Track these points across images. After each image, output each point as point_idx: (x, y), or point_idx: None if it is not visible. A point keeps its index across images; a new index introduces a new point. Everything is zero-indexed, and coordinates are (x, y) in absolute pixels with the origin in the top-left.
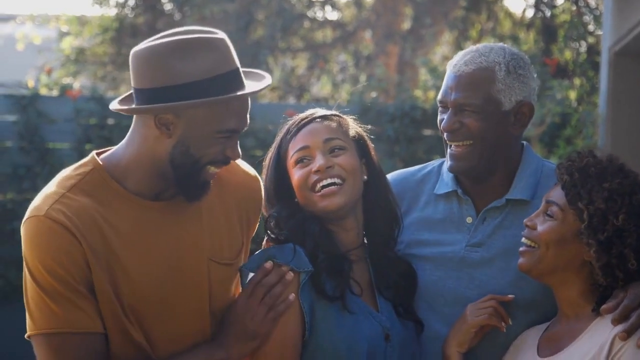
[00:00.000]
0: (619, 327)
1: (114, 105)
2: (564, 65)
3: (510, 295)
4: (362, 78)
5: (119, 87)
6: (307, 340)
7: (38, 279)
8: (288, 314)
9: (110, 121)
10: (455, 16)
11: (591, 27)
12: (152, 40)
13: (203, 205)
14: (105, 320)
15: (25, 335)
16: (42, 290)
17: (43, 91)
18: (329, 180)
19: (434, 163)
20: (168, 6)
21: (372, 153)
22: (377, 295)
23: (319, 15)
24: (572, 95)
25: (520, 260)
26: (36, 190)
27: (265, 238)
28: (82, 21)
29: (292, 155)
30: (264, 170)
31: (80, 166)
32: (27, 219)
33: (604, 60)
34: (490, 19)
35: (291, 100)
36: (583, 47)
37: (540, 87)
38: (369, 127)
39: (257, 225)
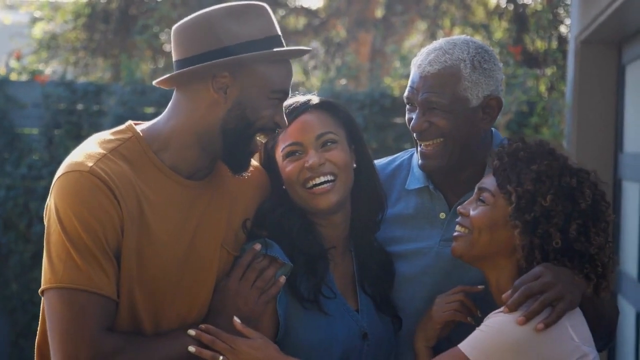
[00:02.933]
0: (518, 312)
1: (158, 80)
2: (535, 54)
3: (479, 286)
4: (334, 66)
5: (90, 73)
6: (281, 339)
7: (69, 232)
8: (263, 316)
9: (80, 106)
10: (427, 5)
11: (563, 17)
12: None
13: (228, 193)
14: (120, 289)
15: (40, 289)
16: (70, 244)
17: (13, 76)
18: (322, 179)
19: (404, 155)
20: None
21: (362, 139)
22: (359, 290)
23: (293, 2)
24: (541, 84)
25: (454, 245)
26: (4, 175)
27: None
28: (54, 6)
29: (283, 148)
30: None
31: (118, 132)
32: (65, 172)
33: (571, 49)
34: (462, 8)
35: None
36: (554, 37)
37: (508, 76)
38: None
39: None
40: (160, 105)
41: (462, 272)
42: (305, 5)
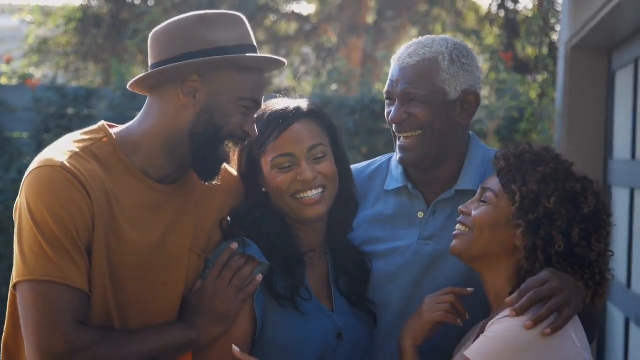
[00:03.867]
0: (524, 317)
1: (131, 83)
2: (526, 61)
3: (469, 289)
4: (325, 71)
5: (81, 78)
6: (258, 338)
7: (41, 226)
8: (240, 314)
9: (70, 111)
10: (418, 10)
11: (553, 23)
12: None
13: (199, 198)
14: (92, 284)
15: (12, 283)
16: (42, 237)
17: (3, 80)
18: (313, 192)
19: (382, 159)
20: None
21: (342, 143)
22: (334, 291)
23: (284, 7)
24: (531, 90)
25: (453, 243)
26: None
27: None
28: (45, 11)
29: (273, 157)
30: (234, 163)
31: (91, 132)
32: (37, 168)
33: (561, 55)
34: (453, 14)
35: None
36: (545, 43)
37: (498, 81)
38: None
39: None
40: None
41: (440, 270)
42: (296, 11)
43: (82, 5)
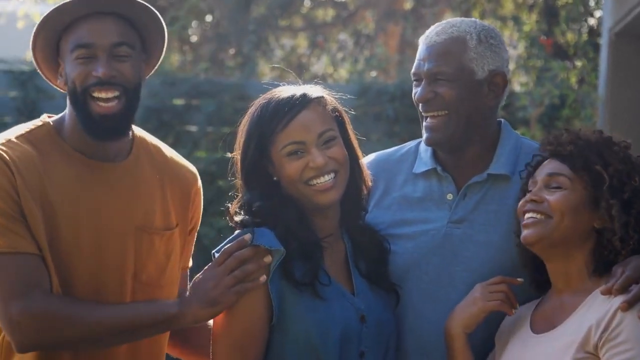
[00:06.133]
0: (619, 299)
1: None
2: (565, 47)
3: (519, 279)
4: (362, 57)
5: None
6: (276, 326)
7: None
8: (254, 299)
9: None
10: None
11: (593, 9)
12: None
13: (139, 176)
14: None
15: None
16: None
17: None
18: (326, 177)
19: (411, 143)
20: None
21: (348, 127)
22: (354, 273)
23: None
24: (572, 76)
25: (529, 231)
26: None
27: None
28: None
29: (283, 146)
30: (240, 149)
31: (33, 122)
32: None
33: (604, 41)
34: (492, 0)
35: (291, 79)
36: (585, 29)
37: (540, 69)
38: (362, 101)
39: (194, 222)
40: (191, 97)
41: (470, 253)
42: None
43: None
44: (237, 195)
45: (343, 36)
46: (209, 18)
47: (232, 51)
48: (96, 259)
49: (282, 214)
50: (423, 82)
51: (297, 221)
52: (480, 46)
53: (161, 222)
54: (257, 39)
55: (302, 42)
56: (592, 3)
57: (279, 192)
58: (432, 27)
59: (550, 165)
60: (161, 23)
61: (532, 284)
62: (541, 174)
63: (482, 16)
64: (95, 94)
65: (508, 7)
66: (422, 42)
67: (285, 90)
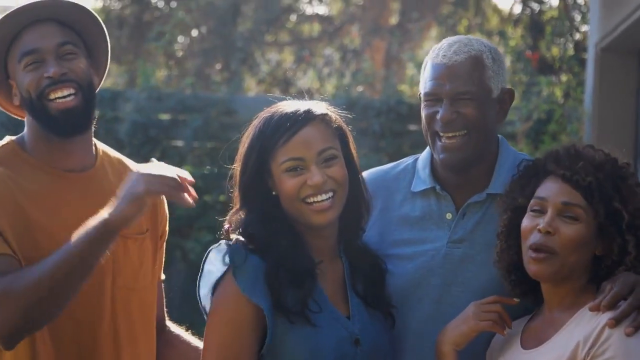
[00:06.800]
0: (607, 315)
1: None
2: (551, 62)
3: (515, 299)
4: (348, 72)
5: (105, 79)
6: (266, 355)
7: None
8: (245, 325)
9: (96, 113)
10: (442, 11)
11: (578, 23)
12: None
13: (106, 184)
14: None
15: None
16: None
17: None
18: (323, 197)
19: (408, 160)
20: None
21: (351, 146)
22: (350, 295)
23: (306, 9)
24: (558, 91)
25: (538, 267)
26: None
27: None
28: None
29: (283, 161)
30: (240, 161)
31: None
32: None
33: (590, 56)
34: (477, 15)
35: (277, 93)
36: (570, 43)
37: (526, 83)
38: (351, 116)
39: (162, 228)
40: (177, 112)
41: (470, 273)
42: (320, 12)
43: (103, 6)
44: (232, 207)
45: (329, 51)
46: (195, 33)
47: (218, 66)
48: None
49: (276, 240)
50: (445, 102)
51: (291, 247)
52: (495, 64)
53: (133, 226)
54: (244, 54)
55: (288, 57)
56: (577, 18)
57: (276, 210)
58: (446, 46)
59: (563, 191)
60: (101, 25)
61: (522, 296)
62: (552, 197)
63: (468, 31)
64: (51, 96)
65: (494, 22)
66: (437, 61)
67: (290, 105)
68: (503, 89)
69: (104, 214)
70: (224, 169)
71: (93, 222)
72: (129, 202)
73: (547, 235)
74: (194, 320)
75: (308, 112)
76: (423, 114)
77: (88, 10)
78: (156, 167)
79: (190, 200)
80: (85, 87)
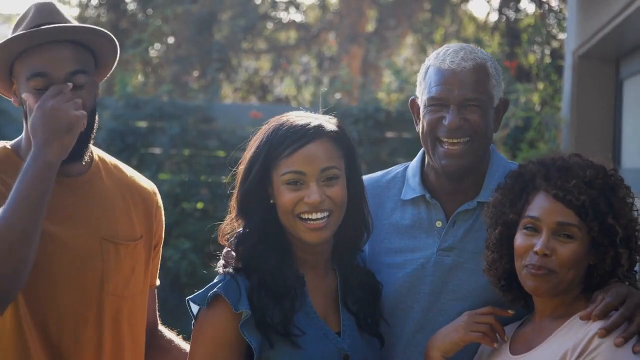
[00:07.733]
0: (598, 324)
1: None
2: (527, 69)
3: (510, 311)
4: (326, 79)
5: None
6: None
7: None
8: (230, 342)
9: None
10: (419, 19)
11: (555, 31)
12: None
13: (100, 188)
14: None
15: None
16: None
17: None
18: (319, 215)
19: (398, 168)
20: (131, 6)
21: (359, 167)
22: (342, 311)
23: (283, 16)
24: (536, 98)
25: (536, 284)
26: None
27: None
28: None
29: (284, 172)
30: (245, 164)
31: None
32: None
33: (568, 63)
34: (454, 22)
35: (254, 101)
36: (547, 51)
37: (504, 91)
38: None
39: (158, 237)
40: (154, 119)
41: (460, 281)
42: (297, 20)
43: (80, 14)
44: (230, 213)
45: (306, 58)
46: (171, 40)
47: (195, 73)
48: (65, 272)
49: (264, 259)
50: (452, 108)
51: (278, 266)
52: (497, 74)
53: (125, 232)
54: (221, 61)
55: (265, 64)
56: (555, 25)
57: (271, 219)
58: (452, 52)
59: (557, 210)
60: (115, 44)
61: (513, 301)
62: (546, 217)
63: (445, 39)
64: None
65: (470, 30)
66: (445, 66)
67: (303, 117)
68: (501, 98)
69: (33, 152)
70: (202, 177)
71: (28, 161)
72: (59, 138)
73: (544, 257)
74: (172, 326)
75: (318, 128)
76: (426, 118)
77: (106, 33)
78: None
79: None
80: (90, 115)
